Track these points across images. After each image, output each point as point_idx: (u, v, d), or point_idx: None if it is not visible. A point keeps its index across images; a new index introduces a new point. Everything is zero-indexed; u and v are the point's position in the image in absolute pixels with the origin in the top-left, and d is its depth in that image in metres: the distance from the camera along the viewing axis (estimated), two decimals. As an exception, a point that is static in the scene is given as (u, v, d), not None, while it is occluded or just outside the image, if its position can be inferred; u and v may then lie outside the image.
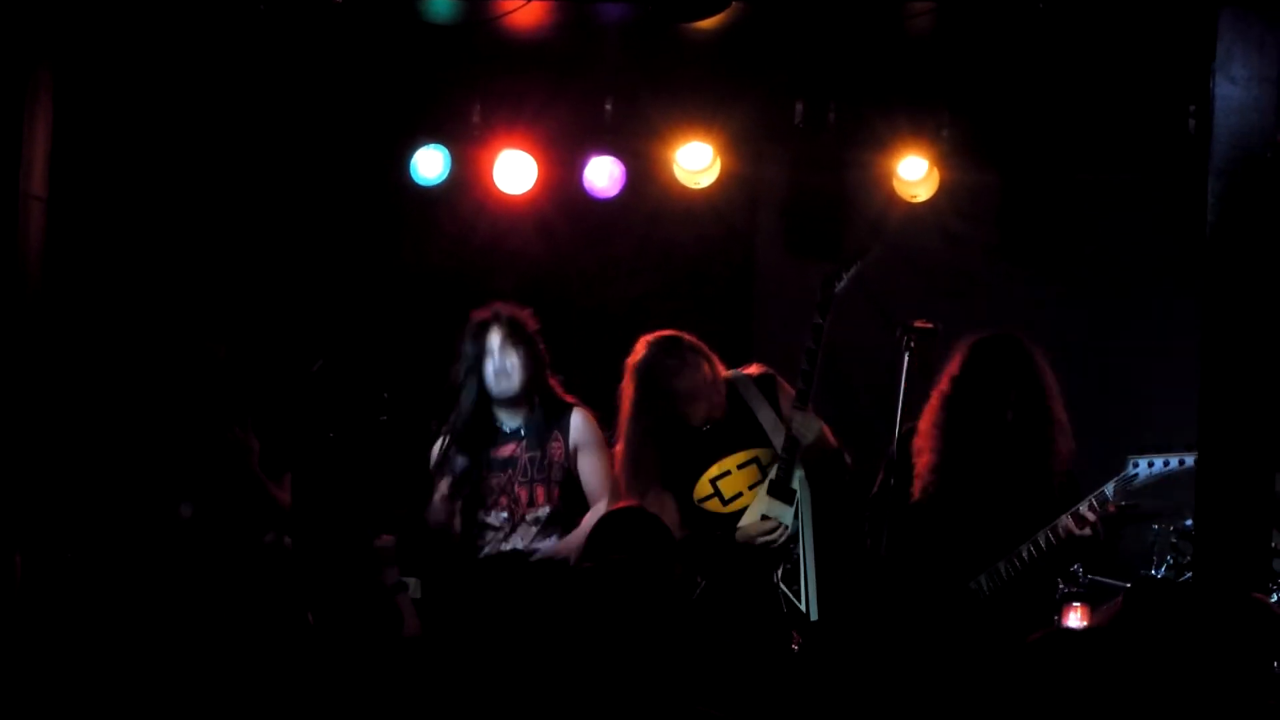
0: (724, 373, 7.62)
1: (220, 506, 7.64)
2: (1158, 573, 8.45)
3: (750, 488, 7.38)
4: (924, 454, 7.22)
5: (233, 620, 5.15)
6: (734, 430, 7.48)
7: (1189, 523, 8.17)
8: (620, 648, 4.60)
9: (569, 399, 7.84)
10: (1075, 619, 7.37)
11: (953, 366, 7.27)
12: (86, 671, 5.15)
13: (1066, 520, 7.11)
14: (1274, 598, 7.74)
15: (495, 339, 7.73)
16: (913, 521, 7.14)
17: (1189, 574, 8.16)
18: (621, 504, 6.09)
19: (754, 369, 7.70)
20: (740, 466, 7.46)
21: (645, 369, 7.56)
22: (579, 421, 7.76)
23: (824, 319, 7.27)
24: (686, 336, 7.66)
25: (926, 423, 7.24)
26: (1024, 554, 7.13)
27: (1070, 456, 7.25)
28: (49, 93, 7.88)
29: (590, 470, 7.72)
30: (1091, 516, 7.06)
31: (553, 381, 7.87)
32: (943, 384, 7.25)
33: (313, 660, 5.14)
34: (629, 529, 5.83)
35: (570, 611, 4.69)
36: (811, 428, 7.33)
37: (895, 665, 6.58)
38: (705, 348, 7.65)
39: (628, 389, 7.63)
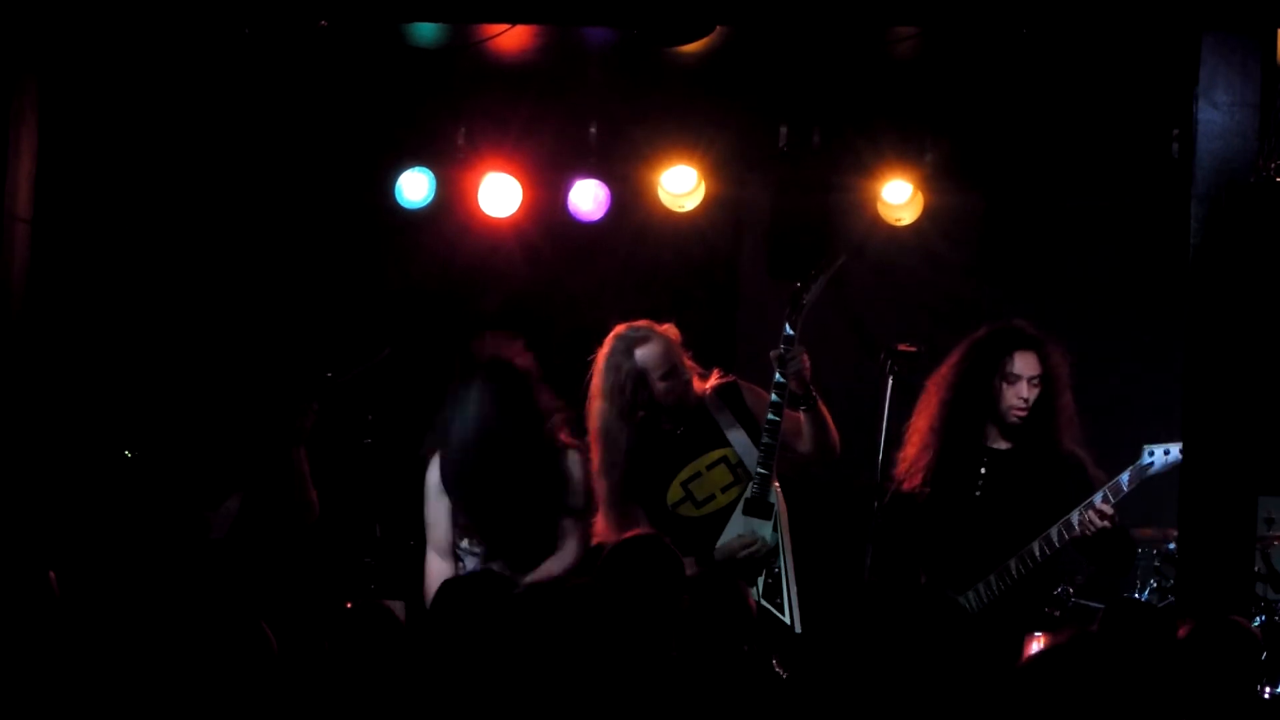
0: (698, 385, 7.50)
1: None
2: (1141, 595, 8.46)
3: (723, 489, 7.34)
4: (921, 454, 7.20)
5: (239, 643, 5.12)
6: (701, 433, 7.44)
7: (1172, 546, 8.19)
8: (622, 673, 4.59)
9: (569, 443, 7.47)
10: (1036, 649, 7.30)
11: (953, 360, 7.27)
12: (105, 679, 5.15)
13: (1080, 515, 7.01)
14: (1256, 621, 7.76)
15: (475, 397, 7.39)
16: (910, 528, 7.13)
17: (1172, 597, 8.17)
18: (634, 531, 6.03)
19: (714, 379, 7.58)
20: (709, 467, 7.41)
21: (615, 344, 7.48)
22: (566, 463, 7.46)
23: (794, 329, 7.24)
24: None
25: (923, 421, 7.22)
26: (1035, 552, 7.05)
27: (1074, 442, 7.17)
28: (34, 114, 7.88)
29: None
30: (1108, 509, 6.97)
31: (561, 434, 7.49)
32: (940, 379, 7.24)
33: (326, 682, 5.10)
34: (642, 557, 5.79)
35: (573, 634, 4.68)
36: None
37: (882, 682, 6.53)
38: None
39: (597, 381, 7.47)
